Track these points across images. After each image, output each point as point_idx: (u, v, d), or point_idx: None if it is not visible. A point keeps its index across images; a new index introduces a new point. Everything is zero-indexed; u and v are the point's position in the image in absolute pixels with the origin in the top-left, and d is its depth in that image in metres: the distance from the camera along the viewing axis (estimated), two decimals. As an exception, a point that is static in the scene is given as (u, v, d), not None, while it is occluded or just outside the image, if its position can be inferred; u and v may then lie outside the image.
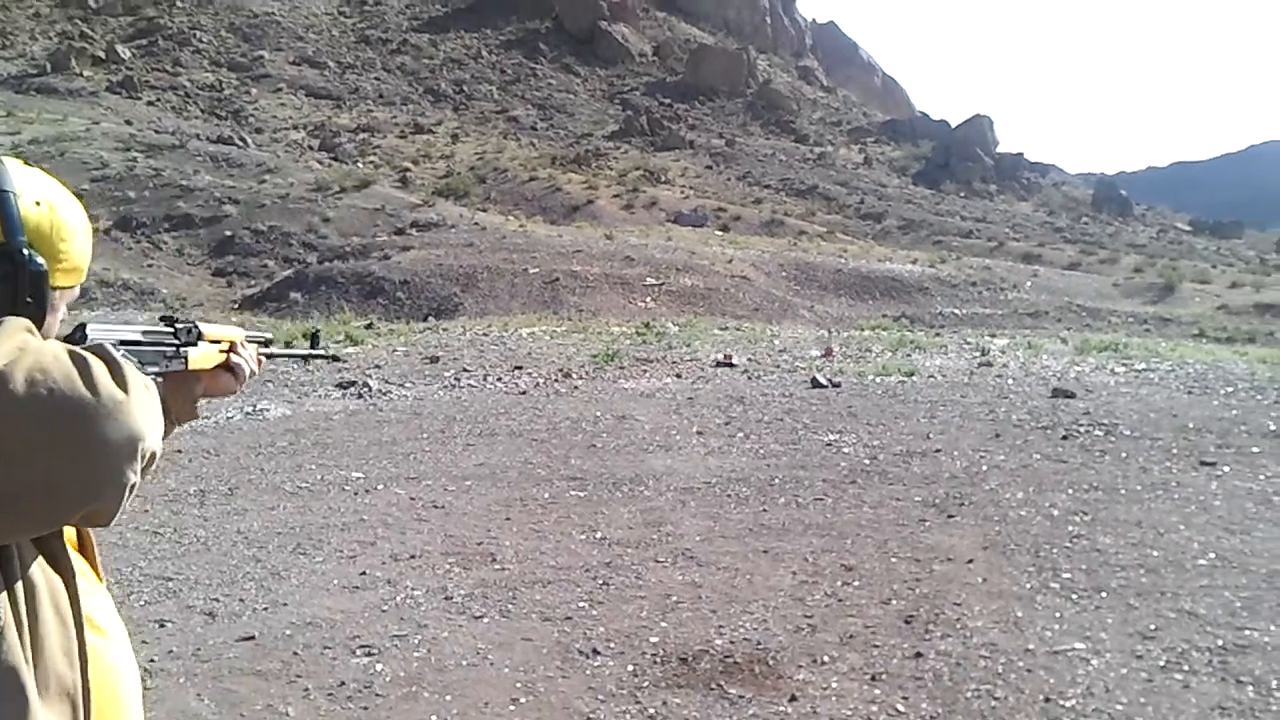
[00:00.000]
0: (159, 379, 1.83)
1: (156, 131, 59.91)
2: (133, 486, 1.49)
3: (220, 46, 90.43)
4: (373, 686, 5.12)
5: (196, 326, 1.97)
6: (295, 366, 18.34)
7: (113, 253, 37.36)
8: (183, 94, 77.13)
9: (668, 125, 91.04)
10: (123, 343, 1.75)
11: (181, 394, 1.95)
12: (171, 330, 1.92)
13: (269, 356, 2.34)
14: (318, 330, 2.72)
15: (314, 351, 2.63)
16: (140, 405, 1.50)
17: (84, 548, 1.72)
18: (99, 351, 1.52)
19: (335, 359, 3.17)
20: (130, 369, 1.52)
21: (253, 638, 5.78)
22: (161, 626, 5.98)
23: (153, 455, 1.54)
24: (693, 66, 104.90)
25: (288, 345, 2.37)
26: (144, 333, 1.85)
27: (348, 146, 70.87)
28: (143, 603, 6.40)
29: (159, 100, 73.79)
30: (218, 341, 2.05)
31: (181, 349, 1.92)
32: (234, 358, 2.09)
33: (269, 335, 2.27)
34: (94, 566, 1.74)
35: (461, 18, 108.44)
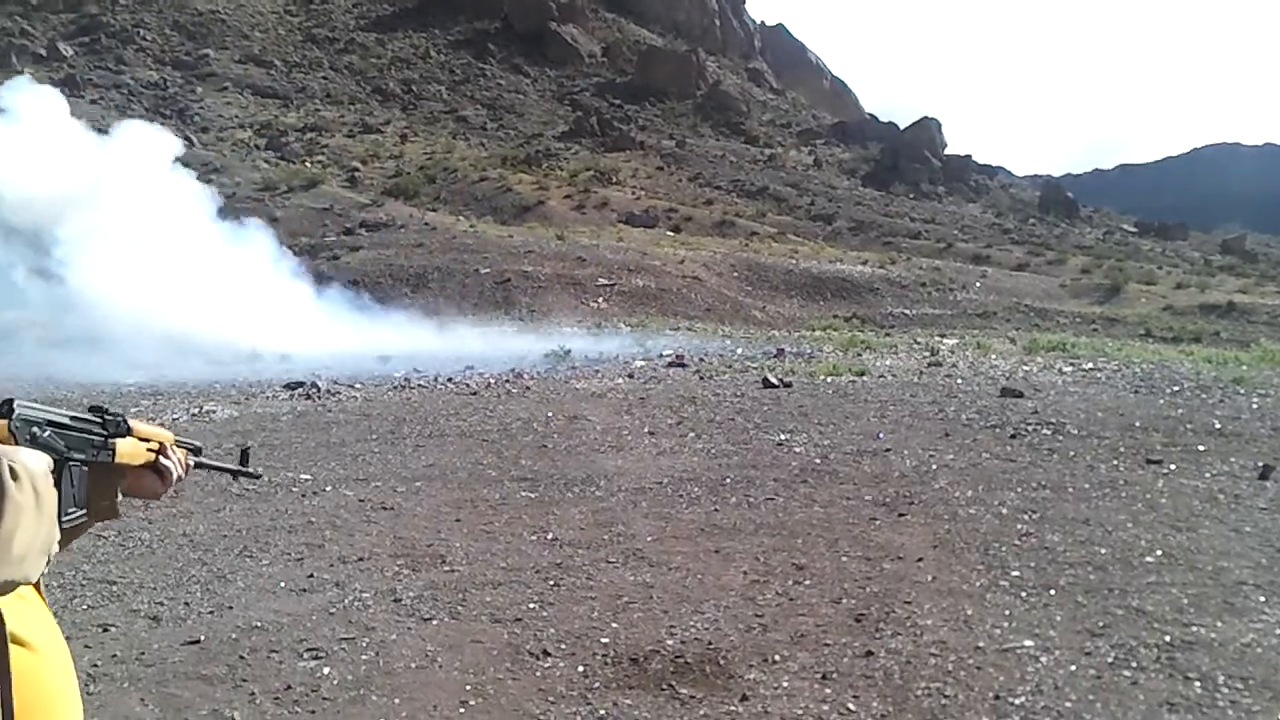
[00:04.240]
0: (84, 468, 1.77)
1: (100, 130, 59.04)
2: None
3: (164, 45, 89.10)
4: (320, 690, 5.05)
5: (125, 421, 1.92)
6: (234, 385, 18.17)
7: (55, 253, 36.72)
8: (126, 93, 75.87)
9: (618, 126, 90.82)
10: (51, 424, 1.69)
11: (104, 488, 1.86)
12: (99, 420, 1.86)
13: (197, 466, 2.27)
14: (249, 446, 2.68)
15: (242, 468, 2.58)
16: (10, 542, 1.44)
17: None
18: None
19: (259, 477, 3.24)
20: (11, 502, 1.46)
21: (198, 641, 5.68)
22: (105, 631, 5.88)
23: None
24: (642, 68, 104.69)
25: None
26: (73, 418, 1.79)
27: (295, 146, 70.09)
28: (85, 607, 6.28)
29: (102, 99, 72.49)
30: (147, 440, 1.99)
31: (110, 440, 1.87)
32: (163, 460, 2.01)
33: (199, 444, 2.20)
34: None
35: (409, 17, 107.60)
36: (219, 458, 2.51)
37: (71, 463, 1.71)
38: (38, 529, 1.48)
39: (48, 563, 1.53)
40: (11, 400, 1.63)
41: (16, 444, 1.59)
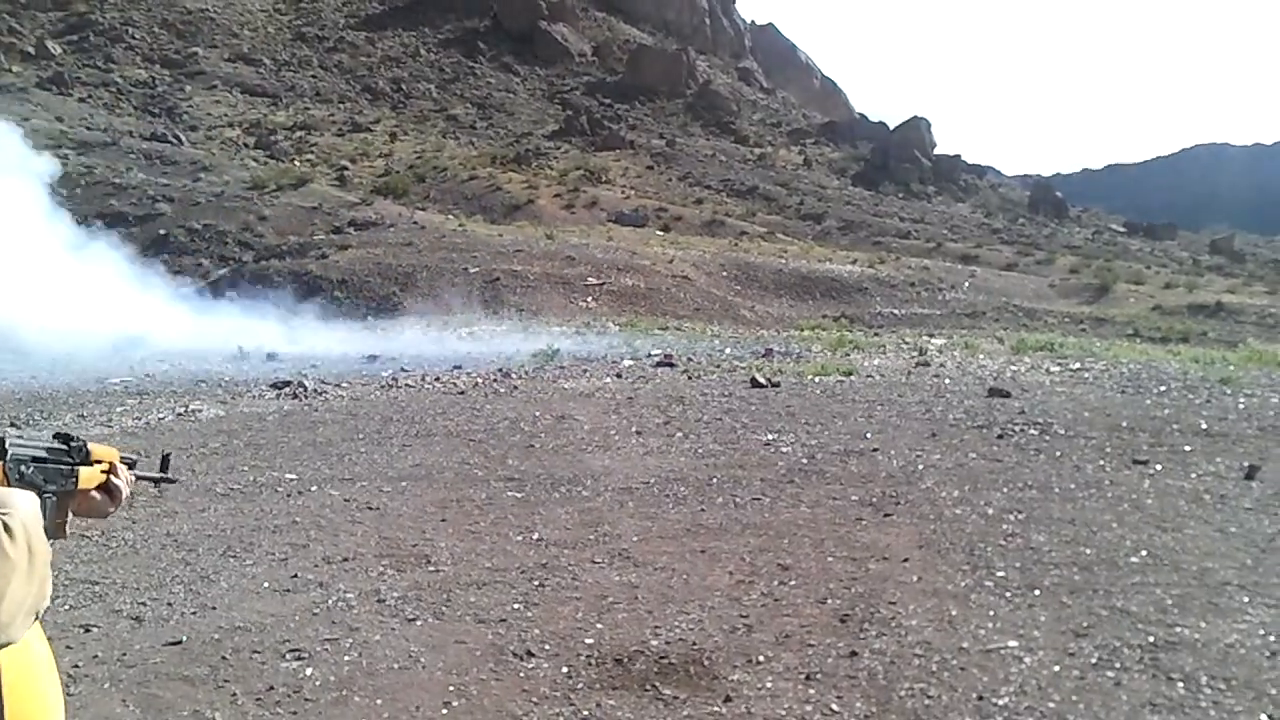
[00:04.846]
0: (53, 498, 1.78)
1: (88, 129, 58.87)
2: None
3: (153, 43, 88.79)
4: (302, 691, 5.03)
5: (85, 445, 1.93)
6: (229, 367, 18.10)
7: (43, 251, 36.60)
8: (115, 91, 75.60)
9: (608, 125, 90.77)
10: (34, 459, 1.71)
11: (60, 511, 1.88)
12: (66, 448, 1.88)
13: (138, 479, 2.28)
14: (169, 454, 2.70)
15: (163, 475, 2.60)
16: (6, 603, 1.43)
17: None
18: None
19: (175, 482, 3.35)
20: (6, 563, 1.44)
21: (180, 642, 5.66)
22: (87, 631, 5.85)
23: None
24: (632, 67, 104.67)
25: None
26: (48, 450, 1.81)
27: (284, 144, 69.93)
28: (67, 607, 6.25)
29: (91, 97, 72.29)
30: (100, 461, 2.00)
31: (75, 468, 1.89)
32: (114, 480, 2.03)
33: (135, 457, 2.20)
34: None
35: (399, 16, 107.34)
36: (205, 453, 2.52)
37: (45, 494, 1.72)
38: (27, 590, 1.46)
39: (36, 618, 1.51)
40: (3, 440, 1.64)
41: (8, 483, 1.58)
